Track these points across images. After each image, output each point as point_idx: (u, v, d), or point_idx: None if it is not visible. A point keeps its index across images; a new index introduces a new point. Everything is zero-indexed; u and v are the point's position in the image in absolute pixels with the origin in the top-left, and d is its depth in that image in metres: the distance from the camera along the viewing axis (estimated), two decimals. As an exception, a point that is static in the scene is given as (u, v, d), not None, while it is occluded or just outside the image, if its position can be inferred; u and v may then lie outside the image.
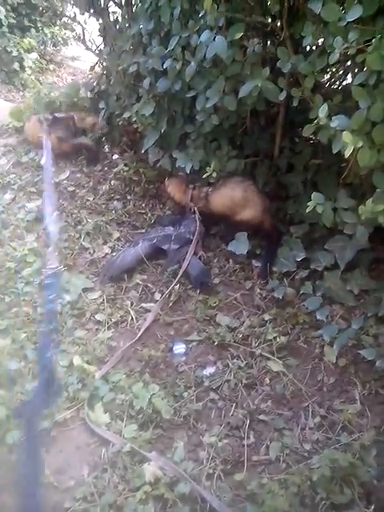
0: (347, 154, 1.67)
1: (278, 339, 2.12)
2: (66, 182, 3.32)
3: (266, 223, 2.54)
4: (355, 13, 1.60)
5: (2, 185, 3.29)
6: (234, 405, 1.92)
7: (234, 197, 2.56)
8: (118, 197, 3.14)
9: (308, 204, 2.00)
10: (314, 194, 2.01)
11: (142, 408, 1.85)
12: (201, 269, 2.48)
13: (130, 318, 2.31)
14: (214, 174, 2.50)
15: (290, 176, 2.62)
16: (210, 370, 2.06)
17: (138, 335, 2.19)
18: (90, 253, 2.71)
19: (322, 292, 2.25)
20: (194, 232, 2.60)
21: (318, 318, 2.18)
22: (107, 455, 1.73)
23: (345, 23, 1.64)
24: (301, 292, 2.31)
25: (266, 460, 1.73)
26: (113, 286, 2.48)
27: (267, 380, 2.01)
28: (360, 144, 1.66)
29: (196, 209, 2.68)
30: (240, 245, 2.51)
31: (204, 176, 2.53)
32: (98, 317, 2.31)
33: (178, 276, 2.41)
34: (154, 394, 1.91)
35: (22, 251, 2.66)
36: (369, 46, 1.59)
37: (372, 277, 2.26)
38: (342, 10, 1.66)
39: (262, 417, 1.87)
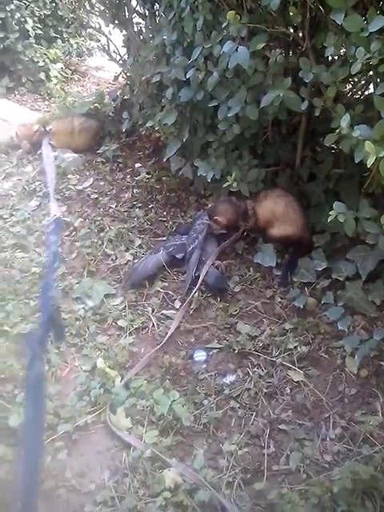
0: (369, 163, 1.67)
1: (298, 349, 2.11)
2: (89, 189, 3.38)
3: (304, 239, 2.51)
4: (378, 23, 1.60)
5: (28, 192, 3.37)
6: (254, 413, 1.91)
7: (276, 210, 2.54)
8: (140, 205, 3.18)
9: (330, 213, 2.00)
10: (335, 204, 2.01)
11: (163, 414, 1.87)
12: (216, 276, 2.49)
13: (152, 324, 2.34)
14: (235, 184, 2.51)
15: (311, 185, 2.62)
16: (230, 378, 2.06)
17: (162, 343, 2.20)
18: (112, 259, 2.75)
19: (343, 302, 2.23)
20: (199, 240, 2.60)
21: (339, 328, 2.16)
22: (128, 460, 1.75)
23: (367, 34, 1.64)
24: (322, 302, 2.29)
25: (286, 470, 1.72)
26: (134, 292, 2.51)
27: (288, 390, 2.00)
28: (382, 154, 1.65)
29: (246, 227, 2.66)
30: (266, 257, 2.51)
31: (224, 185, 2.54)
32: (120, 323, 2.34)
33: (198, 285, 2.42)
34: (174, 400, 1.92)
35: (47, 257, 2.71)
36: (391, 56, 1.60)
37: (394, 287, 2.23)
38: (365, 20, 1.67)
39: (282, 426, 1.86)
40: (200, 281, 2.44)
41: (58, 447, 1.80)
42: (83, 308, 2.41)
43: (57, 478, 1.70)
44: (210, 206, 2.76)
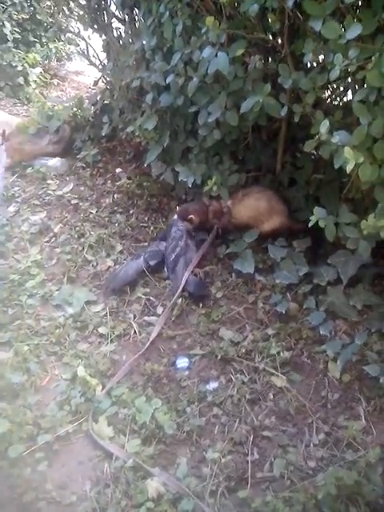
0: (349, 169, 1.68)
1: (281, 354, 2.11)
2: (69, 194, 3.34)
3: (293, 226, 2.55)
4: (355, 31, 1.62)
5: (7, 197, 3.31)
6: (238, 420, 1.90)
7: (260, 207, 2.57)
8: (121, 210, 3.16)
9: (310, 219, 2.01)
10: (316, 209, 2.02)
11: (145, 423, 1.85)
12: (196, 283, 2.48)
13: (133, 331, 2.31)
14: (215, 188, 2.51)
15: (292, 191, 2.64)
16: (213, 385, 2.05)
17: (144, 350, 2.18)
18: (92, 265, 2.72)
19: (325, 307, 2.24)
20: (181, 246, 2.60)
21: (321, 332, 2.17)
22: (110, 470, 1.73)
23: (345, 41, 1.66)
24: (304, 306, 2.30)
25: (270, 477, 1.71)
26: (116, 298, 2.49)
27: (271, 395, 1.99)
28: (361, 159, 1.67)
29: (217, 226, 2.67)
30: (246, 263, 2.51)
31: (205, 189, 2.54)
32: (101, 330, 2.31)
33: (178, 291, 2.40)
34: (156, 408, 1.90)
35: (26, 263, 2.67)
36: (369, 63, 1.61)
37: (375, 292, 2.26)
38: (342, 27, 1.68)
39: (265, 433, 1.85)
40: (180, 288, 2.42)
41: (38, 458, 1.76)
42: (63, 315, 2.38)
43: (37, 491, 1.67)
44: (179, 209, 2.76)
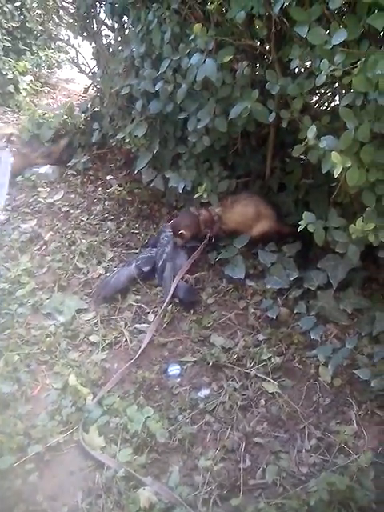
0: (336, 173, 1.69)
1: (272, 360, 2.10)
2: (60, 202, 3.33)
3: (282, 230, 2.56)
4: (340, 36, 1.63)
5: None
6: (230, 427, 1.90)
7: (248, 212, 2.58)
8: (112, 217, 3.15)
9: (300, 223, 2.01)
10: (305, 214, 2.02)
11: (137, 431, 1.84)
12: (186, 289, 2.47)
13: (125, 339, 2.30)
14: (205, 195, 2.51)
15: (281, 196, 2.65)
16: (204, 392, 2.04)
17: (135, 358, 2.17)
18: (84, 273, 2.71)
19: (315, 311, 2.25)
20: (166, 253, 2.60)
21: (312, 337, 2.17)
22: (101, 480, 1.71)
23: (330, 46, 1.67)
24: (295, 311, 2.30)
25: (263, 484, 1.71)
26: (107, 306, 2.48)
27: (262, 401, 1.99)
28: (348, 164, 1.68)
29: (210, 235, 2.66)
30: (236, 269, 2.51)
31: (195, 196, 2.54)
32: (92, 338, 2.30)
33: (167, 298, 2.40)
34: (148, 416, 1.90)
35: (16, 272, 2.66)
36: (354, 68, 1.62)
37: (365, 296, 2.26)
38: (328, 33, 1.70)
39: (257, 439, 1.85)
40: (169, 295, 2.41)
41: (29, 469, 1.75)
42: (54, 324, 2.36)
43: (28, 502, 1.65)
44: (171, 221, 2.74)
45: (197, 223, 2.67)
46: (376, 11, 1.56)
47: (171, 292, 2.41)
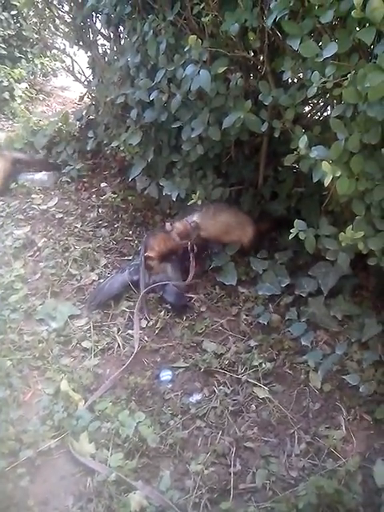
0: (327, 182, 1.72)
1: (263, 365, 2.12)
2: (54, 209, 3.35)
3: (262, 228, 2.65)
4: (331, 49, 1.67)
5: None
6: (221, 432, 1.91)
7: (230, 221, 2.62)
8: (106, 224, 3.17)
9: (291, 231, 2.05)
10: (296, 221, 2.05)
11: (128, 436, 1.84)
12: (175, 294, 2.50)
13: (117, 345, 2.31)
14: (199, 202, 2.54)
15: (274, 204, 2.69)
16: (196, 397, 2.05)
17: (127, 363, 2.17)
18: (77, 279, 2.72)
19: (306, 318, 2.27)
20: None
21: (302, 343, 2.20)
22: (92, 485, 1.71)
23: (322, 59, 1.71)
24: (286, 318, 2.33)
25: (253, 488, 1.72)
26: (99, 312, 2.49)
27: (253, 407, 2.01)
28: (338, 173, 1.71)
29: (191, 245, 2.63)
30: (228, 275, 2.54)
31: (189, 203, 2.57)
32: (85, 344, 2.31)
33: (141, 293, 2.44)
34: (140, 421, 1.91)
35: (9, 278, 2.67)
36: (345, 80, 1.66)
37: (355, 302, 2.29)
38: (319, 46, 1.74)
39: (248, 444, 1.86)
40: (142, 289, 2.46)
41: (20, 474, 1.74)
42: (47, 330, 2.37)
43: (19, 507, 1.65)
44: (145, 238, 2.75)
45: (165, 240, 2.64)
46: (366, 26, 1.61)
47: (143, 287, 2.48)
